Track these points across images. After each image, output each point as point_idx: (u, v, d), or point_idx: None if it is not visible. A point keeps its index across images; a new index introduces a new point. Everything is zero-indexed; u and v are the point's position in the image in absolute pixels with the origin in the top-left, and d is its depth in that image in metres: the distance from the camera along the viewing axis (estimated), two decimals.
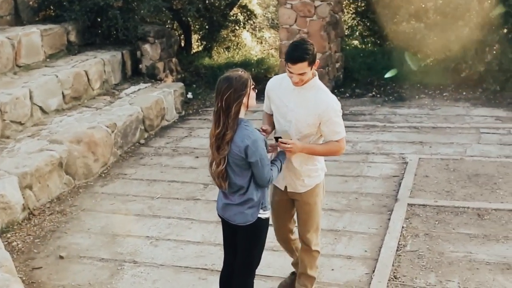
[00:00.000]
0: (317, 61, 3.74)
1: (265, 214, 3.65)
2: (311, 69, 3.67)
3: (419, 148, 7.44)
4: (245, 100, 3.45)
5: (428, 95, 9.94)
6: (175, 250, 5.29)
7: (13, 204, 5.91)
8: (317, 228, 4.14)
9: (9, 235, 5.74)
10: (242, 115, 3.49)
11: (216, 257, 5.08)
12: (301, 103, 3.77)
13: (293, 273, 4.49)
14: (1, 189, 5.82)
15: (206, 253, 5.20)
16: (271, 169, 3.57)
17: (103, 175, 7.33)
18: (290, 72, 3.66)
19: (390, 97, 9.98)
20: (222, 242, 5.26)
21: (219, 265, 4.91)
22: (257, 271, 4.72)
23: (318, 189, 4.06)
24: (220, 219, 3.85)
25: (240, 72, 3.50)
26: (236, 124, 3.42)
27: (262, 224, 3.64)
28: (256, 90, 3.60)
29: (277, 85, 3.96)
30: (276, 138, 3.78)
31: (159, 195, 6.58)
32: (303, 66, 3.60)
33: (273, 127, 4.02)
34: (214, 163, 3.54)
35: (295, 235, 4.34)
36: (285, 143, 3.68)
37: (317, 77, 3.83)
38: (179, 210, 6.15)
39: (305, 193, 4.02)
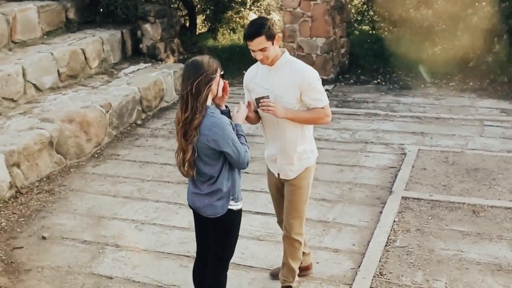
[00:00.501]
0: (278, 35, 3.65)
1: (237, 205, 3.49)
2: (272, 43, 3.60)
3: (419, 139, 7.24)
4: (214, 86, 3.30)
5: (434, 84, 9.69)
6: (160, 235, 5.17)
7: None
8: (301, 215, 3.98)
9: None
10: (208, 102, 3.33)
11: None
12: (279, 81, 3.71)
13: None
14: None
15: (191, 239, 5.05)
16: (246, 151, 3.40)
17: (96, 155, 7.21)
18: (253, 51, 3.62)
19: (395, 85, 9.74)
20: None
21: None
22: (240, 261, 4.67)
23: (307, 173, 3.95)
24: None
25: (209, 58, 3.37)
26: (205, 109, 3.26)
27: (233, 216, 3.49)
28: (224, 81, 3.44)
29: (252, 75, 3.89)
30: (257, 100, 3.65)
31: (150, 177, 6.46)
32: (260, 41, 3.55)
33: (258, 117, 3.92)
34: (180, 151, 3.38)
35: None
36: (268, 104, 3.58)
37: (287, 52, 3.76)
38: (168, 193, 6.02)
39: (296, 176, 3.94)
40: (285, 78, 3.69)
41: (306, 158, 3.92)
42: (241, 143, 3.38)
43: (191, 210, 5.56)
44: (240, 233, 5.04)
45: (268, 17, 3.65)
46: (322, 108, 3.74)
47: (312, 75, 3.70)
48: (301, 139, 3.86)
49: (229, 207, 3.43)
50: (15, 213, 5.68)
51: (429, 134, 7.38)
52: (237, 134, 3.38)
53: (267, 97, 3.65)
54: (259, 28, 3.54)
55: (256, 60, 3.75)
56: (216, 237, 3.55)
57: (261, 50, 3.58)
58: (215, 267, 3.63)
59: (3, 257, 4.90)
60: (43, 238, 5.19)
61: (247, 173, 6.02)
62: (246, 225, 5.27)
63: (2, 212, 5.68)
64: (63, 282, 4.51)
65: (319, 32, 9.74)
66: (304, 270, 4.40)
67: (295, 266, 4.10)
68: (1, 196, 5.86)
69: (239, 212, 3.53)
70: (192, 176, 3.44)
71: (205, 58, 3.32)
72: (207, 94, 3.25)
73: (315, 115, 3.75)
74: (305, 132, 3.87)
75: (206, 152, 3.31)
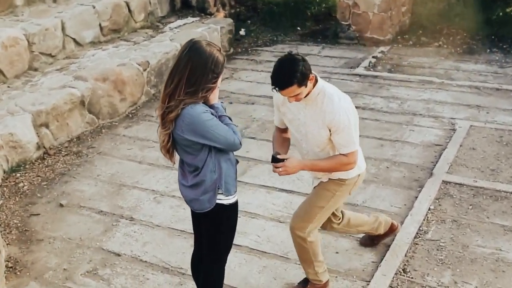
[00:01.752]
0: (312, 75, 3.24)
1: (228, 199, 3.13)
2: (305, 86, 3.22)
3: (473, 113, 6.61)
4: (212, 93, 3.02)
5: (501, 49, 8.85)
6: (176, 210, 4.94)
7: (24, 143, 5.72)
8: (312, 219, 3.60)
9: (18, 175, 5.59)
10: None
11: None
12: (311, 115, 3.38)
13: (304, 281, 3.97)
14: (11, 127, 5.64)
15: None
16: (234, 131, 3.04)
17: (130, 116, 7.03)
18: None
19: (458, 49, 8.97)
20: None
21: None
22: (255, 246, 4.41)
23: (343, 184, 3.59)
24: None
25: (217, 50, 2.97)
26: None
27: (225, 211, 3.14)
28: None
29: (284, 98, 3.41)
30: (273, 158, 3.36)
31: None
32: (292, 90, 3.19)
33: (287, 146, 3.65)
34: (160, 136, 3.07)
35: (337, 224, 3.97)
36: (276, 167, 3.30)
37: (319, 81, 3.34)
38: None
39: (328, 181, 3.62)
40: (316, 113, 3.35)
41: (345, 172, 3.54)
42: (225, 124, 3.03)
43: None
44: (260, 212, 4.85)
45: (299, 56, 3.09)
46: (345, 155, 3.37)
47: (343, 119, 3.29)
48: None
49: (219, 201, 3.10)
50: (39, 176, 5.60)
51: (485, 108, 6.73)
52: (219, 116, 3.02)
53: (282, 160, 3.32)
54: (290, 76, 3.14)
55: None
56: (207, 233, 3.25)
57: (292, 96, 3.25)
58: (209, 261, 3.35)
59: (19, 224, 4.84)
60: (61, 205, 5.09)
61: None
62: (269, 203, 4.97)
63: (27, 174, 5.62)
64: (71, 256, 4.38)
65: None
66: (390, 233, 4.26)
67: (308, 267, 3.76)
68: (28, 157, 5.79)
69: (232, 207, 3.18)
70: (174, 162, 3.17)
71: (213, 52, 2.93)
72: (203, 96, 2.95)
73: (334, 163, 3.41)
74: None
75: (185, 143, 2.99)
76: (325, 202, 3.59)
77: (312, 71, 3.26)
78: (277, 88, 3.20)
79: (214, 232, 3.22)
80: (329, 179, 3.60)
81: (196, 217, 3.31)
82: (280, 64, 3.20)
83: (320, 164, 3.42)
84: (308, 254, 3.66)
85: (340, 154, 3.40)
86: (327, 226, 3.91)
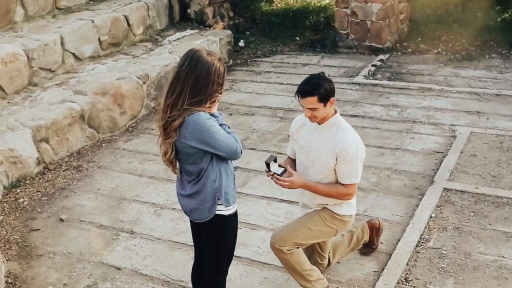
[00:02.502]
0: (333, 98, 3.44)
1: (228, 210, 3.12)
2: (324, 105, 3.42)
3: (474, 120, 6.59)
4: (214, 105, 3.04)
5: (500, 55, 8.86)
6: (177, 223, 4.92)
7: (24, 159, 5.72)
8: (298, 238, 3.62)
9: (18, 190, 5.59)
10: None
11: None
12: (322, 143, 3.53)
13: None
14: (11, 143, 5.63)
15: None
16: (236, 139, 3.06)
17: (130, 129, 7.04)
18: (302, 106, 3.47)
19: (457, 55, 8.98)
20: None
21: None
22: (255, 257, 4.38)
23: (334, 217, 3.67)
24: None
25: (218, 60, 3.00)
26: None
27: (225, 222, 3.13)
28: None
29: (300, 124, 3.71)
30: (267, 164, 3.41)
31: None
32: (312, 101, 3.38)
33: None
34: (162, 147, 3.07)
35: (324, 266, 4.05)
36: (283, 181, 3.36)
37: (338, 114, 3.55)
38: None
39: (321, 209, 3.70)
40: (328, 142, 3.50)
41: (341, 209, 3.65)
42: (226, 132, 3.04)
43: None
44: (261, 223, 4.83)
45: (329, 78, 3.28)
46: (345, 186, 3.51)
47: (353, 150, 3.44)
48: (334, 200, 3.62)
49: (218, 212, 3.09)
50: (39, 191, 5.59)
51: (485, 114, 6.72)
52: (220, 125, 3.03)
53: (284, 171, 3.45)
54: (314, 88, 3.35)
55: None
56: (207, 244, 3.24)
57: (311, 109, 3.41)
58: (210, 272, 3.32)
59: (19, 240, 4.82)
60: (61, 220, 5.08)
61: (280, 153, 5.68)
62: (269, 214, 4.95)
63: (27, 190, 5.61)
64: (71, 271, 4.36)
65: None
66: (375, 231, 4.27)
67: (297, 277, 3.74)
68: (28, 172, 5.79)
69: (232, 218, 3.17)
70: (177, 173, 3.15)
71: (215, 62, 2.96)
72: (209, 106, 2.98)
73: (333, 190, 3.52)
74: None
75: (188, 151, 2.99)
76: (314, 225, 3.64)
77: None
78: (299, 95, 3.38)
79: (214, 242, 3.20)
80: (323, 207, 3.67)
81: (196, 228, 3.30)
82: (309, 77, 3.46)
83: (320, 187, 3.50)
84: (291, 264, 3.66)
85: (339, 184, 3.51)
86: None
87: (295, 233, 3.61)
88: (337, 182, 3.56)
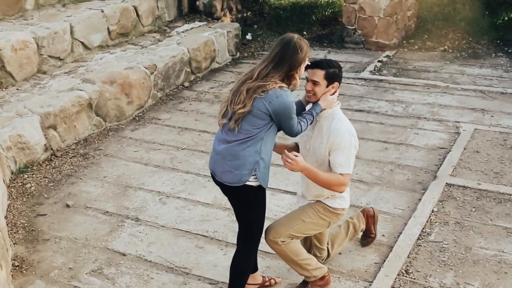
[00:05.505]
0: (337, 83, 3.54)
1: (258, 182, 3.37)
2: (327, 86, 3.51)
3: (478, 117, 6.63)
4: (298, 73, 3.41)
5: (507, 53, 8.88)
6: (182, 211, 4.99)
7: (32, 145, 5.79)
8: (293, 230, 3.67)
9: (25, 176, 5.66)
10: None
11: (220, 224, 4.75)
12: (318, 132, 3.60)
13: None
14: (19, 129, 5.70)
15: (212, 217, 4.87)
16: (300, 123, 3.42)
17: (137, 118, 7.10)
18: (306, 80, 3.57)
19: (463, 53, 9.00)
20: (232, 207, 4.99)
21: (221, 234, 4.63)
22: (258, 246, 4.39)
23: (327, 210, 3.72)
24: None
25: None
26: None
27: (253, 192, 3.37)
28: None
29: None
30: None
31: (185, 145, 6.27)
32: (319, 74, 3.49)
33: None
34: (233, 101, 3.31)
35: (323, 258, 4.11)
36: (288, 156, 3.39)
37: (338, 107, 3.62)
38: (200, 164, 5.82)
39: (315, 201, 3.76)
40: (323, 131, 3.56)
41: (335, 202, 3.71)
42: (305, 118, 3.44)
43: None
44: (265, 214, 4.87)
45: (342, 66, 3.51)
46: (341, 174, 3.51)
47: (346, 139, 3.49)
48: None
49: (249, 182, 3.32)
50: (46, 177, 5.67)
51: (490, 112, 6.75)
52: (309, 111, 3.50)
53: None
54: (326, 64, 3.50)
55: None
56: (238, 208, 3.49)
57: (313, 82, 3.49)
58: (242, 240, 3.56)
59: (26, 224, 4.90)
60: (67, 206, 5.15)
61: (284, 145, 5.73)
62: (273, 205, 5.00)
63: (34, 175, 5.69)
64: (77, 256, 4.43)
65: None
66: (371, 219, 4.33)
67: (295, 266, 3.80)
68: (36, 158, 5.86)
69: (259, 189, 3.40)
70: (234, 129, 3.30)
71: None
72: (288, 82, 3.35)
73: (331, 178, 3.51)
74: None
75: (257, 113, 3.25)
76: (308, 217, 3.69)
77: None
78: (309, 66, 3.48)
79: (245, 208, 3.44)
80: (317, 200, 3.73)
81: (225, 192, 3.49)
82: (326, 58, 3.66)
83: (319, 174, 3.50)
84: (288, 255, 3.71)
85: (336, 172, 3.54)
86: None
87: (289, 225, 3.66)
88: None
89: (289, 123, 3.33)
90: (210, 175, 3.56)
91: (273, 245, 3.70)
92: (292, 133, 3.41)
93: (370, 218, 4.32)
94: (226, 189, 3.47)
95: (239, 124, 3.28)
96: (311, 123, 3.52)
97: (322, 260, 4.08)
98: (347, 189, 3.70)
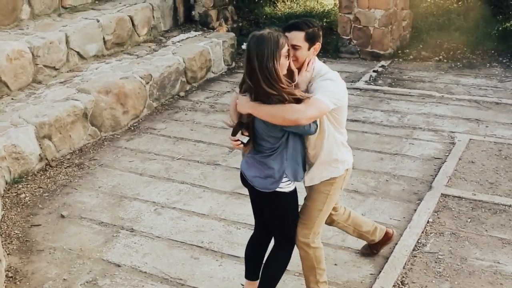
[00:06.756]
0: (318, 44, 3.33)
1: (289, 187, 3.36)
2: (308, 48, 3.30)
3: (473, 127, 6.65)
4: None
5: (501, 64, 8.92)
6: (177, 221, 4.98)
7: (27, 155, 5.77)
8: (312, 224, 3.60)
9: (20, 186, 5.64)
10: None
11: (216, 235, 4.73)
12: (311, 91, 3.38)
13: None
14: (14, 139, 5.68)
15: (208, 228, 4.85)
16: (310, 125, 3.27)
17: (132, 128, 7.09)
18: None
19: (458, 64, 9.04)
20: (227, 218, 4.99)
21: (216, 245, 4.61)
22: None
23: (334, 182, 3.60)
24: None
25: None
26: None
27: (285, 197, 3.36)
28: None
29: None
30: (235, 131, 3.45)
31: (180, 155, 6.26)
32: (298, 37, 3.26)
33: None
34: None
35: (338, 216, 4.04)
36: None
37: (318, 64, 3.39)
38: (195, 175, 5.80)
39: (319, 183, 3.61)
40: (315, 87, 3.32)
41: (336, 168, 3.57)
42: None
43: (214, 195, 5.38)
44: None
45: (319, 24, 3.33)
46: (303, 100, 3.14)
47: (333, 75, 3.36)
48: (329, 148, 3.50)
49: (279, 189, 3.31)
50: (40, 187, 5.64)
51: (485, 122, 6.78)
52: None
53: (248, 141, 3.39)
54: (303, 24, 3.28)
55: None
56: (270, 214, 3.48)
57: (294, 47, 3.25)
58: (280, 249, 3.57)
59: (20, 235, 4.87)
60: (62, 216, 5.13)
61: None
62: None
63: (28, 186, 5.66)
64: (71, 267, 4.41)
65: (378, 3, 9.12)
66: (387, 240, 4.31)
67: (310, 274, 3.76)
68: (30, 168, 5.84)
69: (291, 194, 3.39)
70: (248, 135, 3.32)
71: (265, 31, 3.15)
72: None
73: (280, 107, 3.11)
74: (334, 139, 3.52)
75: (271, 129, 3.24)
76: (322, 204, 3.59)
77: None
78: (286, 29, 3.26)
79: (277, 214, 3.43)
80: (321, 181, 3.59)
81: (255, 196, 3.48)
82: (301, 18, 3.39)
83: (267, 106, 3.15)
84: (311, 261, 3.66)
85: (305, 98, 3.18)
86: (327, 219, 3.91)
87: (312, 222, 3.57)
88: (329, 137, 3.46)
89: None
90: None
91: (304, 247, 3.61)
92: (310, 132, 3.29)
93: (387, 239, 4.30)
94: (256, 193, 3.45)
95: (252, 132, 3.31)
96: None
97: (338, 213, 4.03)
98: (346, 150, 3.59)
